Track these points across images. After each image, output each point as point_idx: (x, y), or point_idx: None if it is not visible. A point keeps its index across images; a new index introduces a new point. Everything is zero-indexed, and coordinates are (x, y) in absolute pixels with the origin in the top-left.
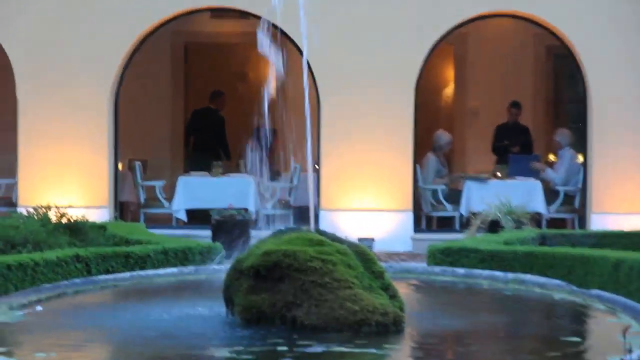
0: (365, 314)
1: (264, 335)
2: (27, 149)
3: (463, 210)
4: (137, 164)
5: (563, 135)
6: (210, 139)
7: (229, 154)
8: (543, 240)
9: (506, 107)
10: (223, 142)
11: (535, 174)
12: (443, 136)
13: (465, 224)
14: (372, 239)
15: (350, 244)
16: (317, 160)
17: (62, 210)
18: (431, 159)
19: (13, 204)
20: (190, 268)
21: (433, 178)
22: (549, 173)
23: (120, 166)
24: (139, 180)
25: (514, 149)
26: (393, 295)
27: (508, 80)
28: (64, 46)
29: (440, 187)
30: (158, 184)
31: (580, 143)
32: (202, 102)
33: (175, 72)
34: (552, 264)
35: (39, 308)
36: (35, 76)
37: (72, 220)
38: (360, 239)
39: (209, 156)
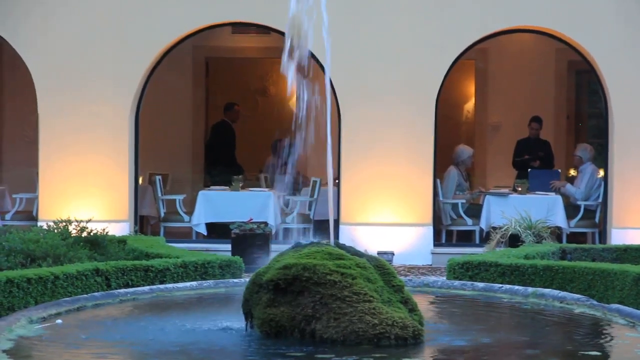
0: (385, 328)
1: (283, 349)
2: (47, 162)
3: (483, 224)
4: (158, 178)
5: (584, 150)
6: (224, 153)
7: (238, 167)
8: (563, 254)
9: (527, 122)
10: (231, 154)
11: (555, 190)
12: (465, 151)
13: (485, 238)
14: (392, 253)
15: (369, 258)
16: (337, 174)
17: (82, 224)
18: (453, 172)
19: (34, 218)
20: (209, 282)
21: (454, 192)
22: (570, 188)
23: (140, 180)
24: (159, 194)
25: (534, 163)
26: (412, 309)
27: (529, 95)
28: (85, 61)
29: (461, 201)
30: (178, 197)
31: (601, 158)
32: (223, 116)
33: (196, 86)
34: (572, 278)
35: (59, 322)
36: (56, 91)
37: (92, 234)
38: (379, 253)
39: (223, 170)
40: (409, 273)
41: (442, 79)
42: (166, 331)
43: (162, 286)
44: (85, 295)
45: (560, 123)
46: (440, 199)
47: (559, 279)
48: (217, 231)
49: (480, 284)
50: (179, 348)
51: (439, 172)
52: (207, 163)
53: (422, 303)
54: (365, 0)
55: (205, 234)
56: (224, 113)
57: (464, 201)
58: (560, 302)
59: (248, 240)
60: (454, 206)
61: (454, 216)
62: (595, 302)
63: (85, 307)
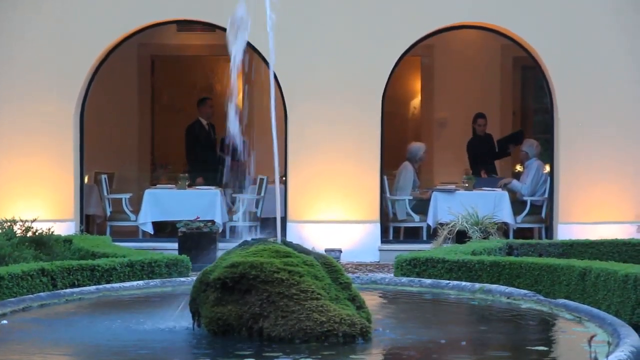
0: (332, 325)
1: (231, 347)
2: None
3: (430, 221)
4: (103, 176)
5: (530, 146)
6: (205, 155)
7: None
8: (510, 250)
9: (472, 119)
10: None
11: (501, 186)
12: (420, 147)
13: (432, 234)
14: (340, 250)
15: (317, 255)
16: (284, 171)
17: (27, 224)
18: (409, 169)
19: None
20: (156, 281)
21: (411, 188)
22: (516, 184)
23: (86, 179)
24: (105, 193)
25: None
26: (360, 306)
27: (475, 91)
28: (28, 60)
29: (408, 198)
30: (124, 196)
31: (547, 153)
32: (169, 114)
33: (142, 84)
34: (519, 274)
35: (4, 322)
36: None
37: (37, 234)
38: (327, 250)
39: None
40: (356, 270)
41: (388, 75)
42: (113, 330)
43: (108, 286)
44: (31, 296)
45: (506, 119)
46: (388, 195)
47: (505, 275)
48: (163, 230)
49: (428, 281)
50: (126, 347)
51: (385, 168)
52: (191, 169)
53: (370, 300)
54: None
55: (152, 232)
56: (197, 109)
57: (410, 197)
58: (508, 298)
59: (195, 238)
60: (402, 202)
61: (410, 212)
62: (542, 298)
63: (31, 308)
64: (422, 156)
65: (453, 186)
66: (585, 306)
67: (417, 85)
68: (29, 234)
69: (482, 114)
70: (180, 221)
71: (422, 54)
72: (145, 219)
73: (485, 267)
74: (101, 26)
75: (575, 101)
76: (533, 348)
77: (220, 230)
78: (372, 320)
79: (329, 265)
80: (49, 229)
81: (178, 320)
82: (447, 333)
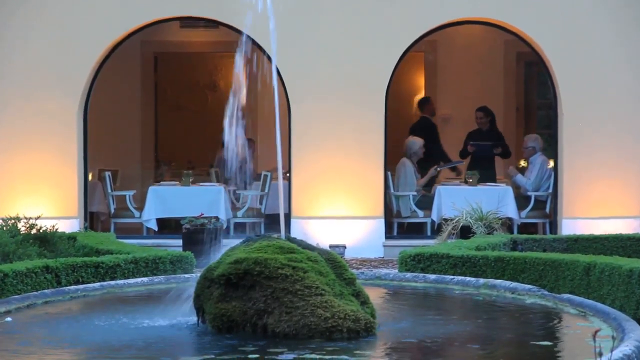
0: (337, 321)
1: (235, 344)
2: None
3: (434, 216)
4: (107, 174)
5: (534, 140)
6: None
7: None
8: (514, 245)
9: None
10: None
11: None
12: (416, 142)
13: (436, 230)
14: (344, 246)
15: (321, 251)
16: (287, 168)
17: (31, 221)
18: (409, 165)
19: None
20: (160, 277)
21: (414, 184)
22: (520, 179)
23: (90, 176)
24: (109, 190)
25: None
26: (364, 302)
27: (479, 87)
28: (31, 57)
29: (412, 194)
30: (128, 193)
31: (551, 149)
32: (172, 111)
33: (145, 81)
34: (524, 269)
35: (8, 319)
36: (3, 88)
37: (41, 231)
38: (331, 246)
39: None
40: (361, 266)
41: (391, 71)
42: (117, 327)
43: (112, 282)
44: (35, 293)
45: (510, 114)
46: (392, 191)
47: (510, 270)
48: (167, 227)
49: (432, 276)
50: (129, 343)
51: (389, 165)
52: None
53: (375, 296)
54: None
55: (156, 229)
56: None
57: (415, 193)
58: (512, 293)
59: (199, 235)
60: (405, 198)
61: (415, 208)
62: (546, 293)
63: (35, 305)
64: (417, 151)
65: (457, 182)
66: (590, 301)
67: (421, 81)
68: (33, 231)
69: (481, 107)
70: (184, 218)
71: (426, 49)
72: (149, 216)
73: (490, 263)
74: (104, 23)
75: (579, 96)
76: (537, 343)
77: (225, 226)
78: (377, 316)
79: (333, 261)
80: (53, 226)
81: (182, 316)
82: (452, 328)
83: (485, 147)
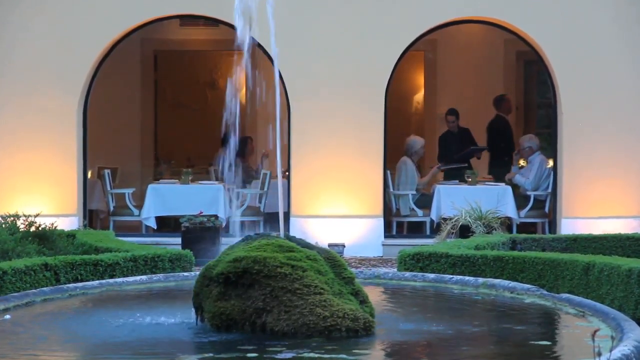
0: (336, 320)
1: (234, 342)
2: None
3: (433, 215)
4: (107, 171)
5: (533, 140)
6: None
7: None
8: (513, 244)
9: (477, 112)
10: None
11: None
12: (418, 141)
13: (435, 229)
14: (343, 245)
15: (320, 250)
16: (287, 166)
17: (30, 219)
18: (409, 163)
19: None
20: (159, 275)
21: (415, 183)
22: (519, 178)
23: (89, 174)
24: (109, 188)
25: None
26: (363, 301)
27: (478, 86)
28: (31, 55)
29: (411, 193)
30: (127, 191)
31: (550, 148)
32: (172, 109)
33: (145, 79)
34: (523, 269)
35: (7, 317)
36: (3, 86)
37: (40, 229)
38: (330, 245)
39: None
40: (360, 265)
41: (391, 70)
42: (116, 325)
43: (111, 280)
44: (34, 290)
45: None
46: (391, 190)
47: (509, 270)
48: (167, 225)
49: (431, 275)
50: (128, 341)
51: (389, 163)
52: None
53: (374, 295)
54: None
55: (155, 227)
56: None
57: (414, 192)
58: (511, 293)
59: (198, 233)
60: (405, 197)
61: (414, 207)
62: (545, 292)
63: (34, 302)
64: (418, 150)
65: (457, 181)
66: (589, 301)
67: (420, 80)
68: (32, 228)
69: (452, 110)
70: (183, 216)
71: (425, 48)
72: (149, 214)
73: (489, 262)
74: (104, 21)
75: (579, 96)
76: (536, 342)
77: (224, 225)
78: (375, 315)
79: (332, 259)
80: (52, 223)
81: (181, 315)
82: (450, 328)
83: (463, 156)
